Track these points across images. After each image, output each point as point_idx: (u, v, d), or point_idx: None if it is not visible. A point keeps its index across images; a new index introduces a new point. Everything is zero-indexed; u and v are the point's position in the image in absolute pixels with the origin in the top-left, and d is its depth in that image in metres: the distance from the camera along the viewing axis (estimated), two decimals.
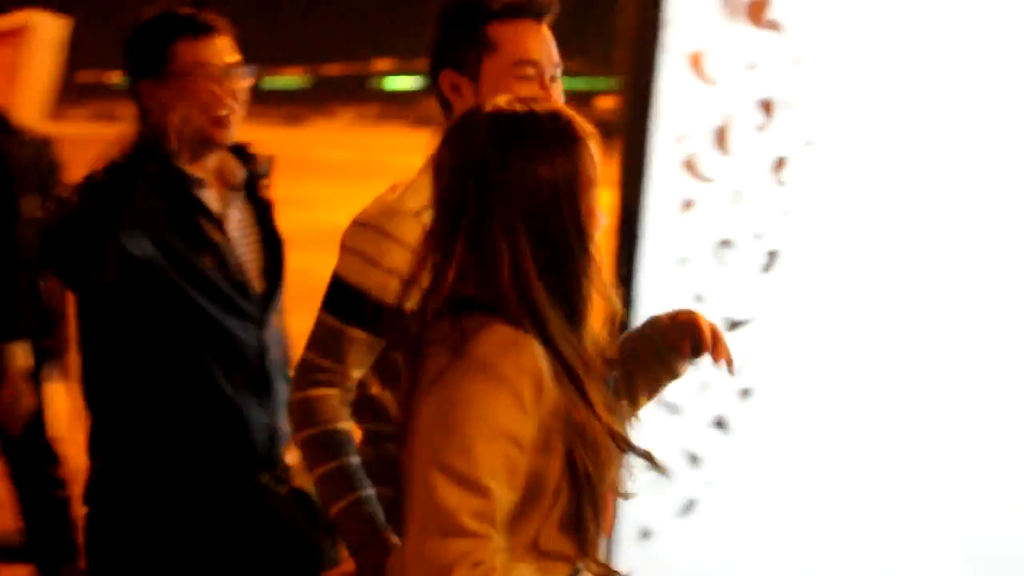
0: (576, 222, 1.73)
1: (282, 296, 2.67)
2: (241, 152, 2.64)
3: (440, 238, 1.76)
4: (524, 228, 1.70)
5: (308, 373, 2.21)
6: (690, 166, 2.99)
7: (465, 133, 1.75)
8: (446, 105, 2.27)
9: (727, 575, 3.13)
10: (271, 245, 2.66)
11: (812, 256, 2.98)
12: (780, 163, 2.95)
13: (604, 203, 1.80)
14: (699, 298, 3.01)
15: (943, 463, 3.05)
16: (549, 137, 1.72)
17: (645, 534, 3.13)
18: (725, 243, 3.00)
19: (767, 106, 2.94)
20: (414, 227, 2.06)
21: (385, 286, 2.13)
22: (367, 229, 2.21)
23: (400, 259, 2.06)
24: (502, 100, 1.77)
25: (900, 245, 2.98)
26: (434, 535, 1.60)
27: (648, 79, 2.95)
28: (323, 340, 2.21)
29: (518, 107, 1.74)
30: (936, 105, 2.94)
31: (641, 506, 3.09)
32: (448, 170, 1.75)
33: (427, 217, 1.82)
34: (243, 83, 2.55)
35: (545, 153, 1.71)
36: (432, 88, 2.30)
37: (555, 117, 1.74)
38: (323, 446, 2.18)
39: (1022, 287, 3.00)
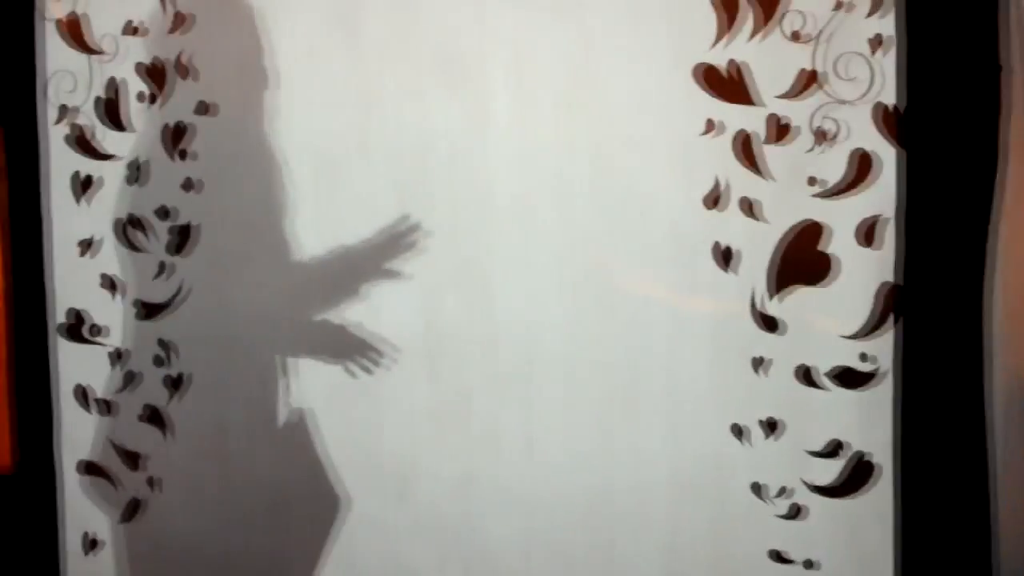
0: None
1: None
2: None
3: None
4: None
5: None
6: (83, 143, 2.78)
7: None
8: None
9: None
10: None
11: (225, 231, 2.76)
12: (177, 133, 2.74)
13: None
14: (112, 283, 2.79)
15: None
16: None
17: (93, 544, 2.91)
18: (132, 222, 2.78)
19: (156, 72, 2.73)
20: None
21: None
22: None
23: None
24: None
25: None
26: None
27: (24, 49, 2.74)
28: None
29: None
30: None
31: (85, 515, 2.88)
32: None
33: None
34: None
35: None
36: None
37: None
38: None
39: None
